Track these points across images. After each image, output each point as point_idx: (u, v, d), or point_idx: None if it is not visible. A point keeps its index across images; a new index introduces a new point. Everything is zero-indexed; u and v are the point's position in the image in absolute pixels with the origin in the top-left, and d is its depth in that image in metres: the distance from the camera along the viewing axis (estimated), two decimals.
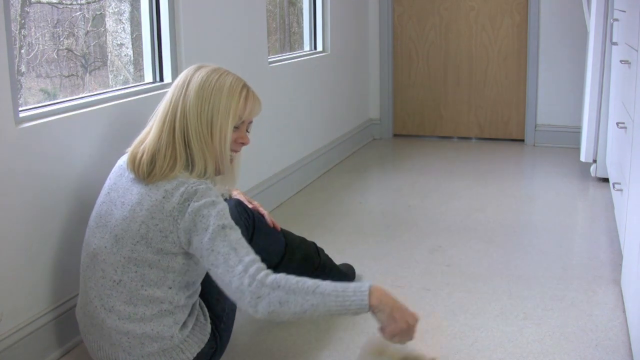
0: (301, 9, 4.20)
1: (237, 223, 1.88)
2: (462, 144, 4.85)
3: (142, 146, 1.70)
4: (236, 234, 1.60)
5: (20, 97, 2.14)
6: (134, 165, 1.68)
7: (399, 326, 1.51)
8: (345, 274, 2.41)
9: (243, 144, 1.78)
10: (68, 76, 2.45)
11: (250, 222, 1.99)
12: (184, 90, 1.70)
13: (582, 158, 3.72)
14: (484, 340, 2.06)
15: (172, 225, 1.60)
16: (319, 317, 1.54)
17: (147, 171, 1.65)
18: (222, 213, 1.61)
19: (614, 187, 2.75)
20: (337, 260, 2.58)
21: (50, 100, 2.16)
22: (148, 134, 1.72)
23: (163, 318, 1.67)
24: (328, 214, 3.31)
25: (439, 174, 4.02)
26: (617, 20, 3.12)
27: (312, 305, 1.50)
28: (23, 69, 2.25)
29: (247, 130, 1.79)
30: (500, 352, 1.99)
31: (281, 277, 1.53)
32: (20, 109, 1.90)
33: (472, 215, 3.25)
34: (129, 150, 1.73)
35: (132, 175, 1.69)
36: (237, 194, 2.10)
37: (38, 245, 1.91)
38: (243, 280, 1.51)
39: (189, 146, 1.68)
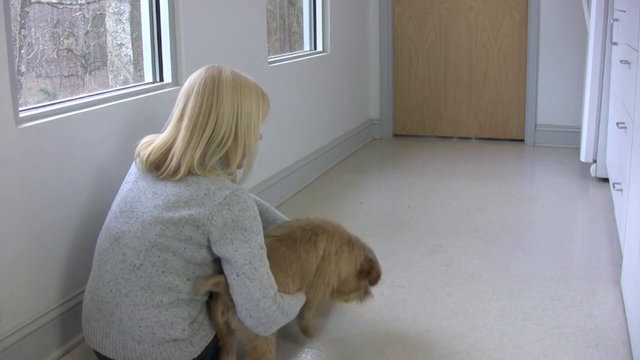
0: (301, 9, 4.20)
1: None
2: (462, 144, 4.85)
3: (172, 150, 1.73)
4: (266, 258, 1.75)
5: (20, 97, 2.14)
6: (164, 168, 1.72)
7: None
8: None
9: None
10: (68, 76, 2.45)
11: None
12: (215, 94, 1.75)
13: (582, 158, 3.72)
14: (484, 340, 2.06)
15: (207, 220, 1.66)
16: None
17: (181, 172, 1.70)
18: (261, 231, 1.74)
19: (614, 187, 2.75)
20: None
21: (50, 100, 2.16)
22: (175, 137, 1.75)
23: (178, 308, 1.70)
24: (328, 214, 3.31)
25: (439, 174, 4.02)
26: (617, 20, 3.12)
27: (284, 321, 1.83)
28: (23, 69, 2.25)
29: None
30: (500, 352, 1.99)
31: (285, 301, 1.81)
32: (20, 109, 1.90)
33: (472, 215, 3.25)
34: (151, 150, 1.76)
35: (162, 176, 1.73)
36: None
37: (38, 245, 1.91)
38: (272, 306, 1.73)
39: (222, 145, 1.75)
